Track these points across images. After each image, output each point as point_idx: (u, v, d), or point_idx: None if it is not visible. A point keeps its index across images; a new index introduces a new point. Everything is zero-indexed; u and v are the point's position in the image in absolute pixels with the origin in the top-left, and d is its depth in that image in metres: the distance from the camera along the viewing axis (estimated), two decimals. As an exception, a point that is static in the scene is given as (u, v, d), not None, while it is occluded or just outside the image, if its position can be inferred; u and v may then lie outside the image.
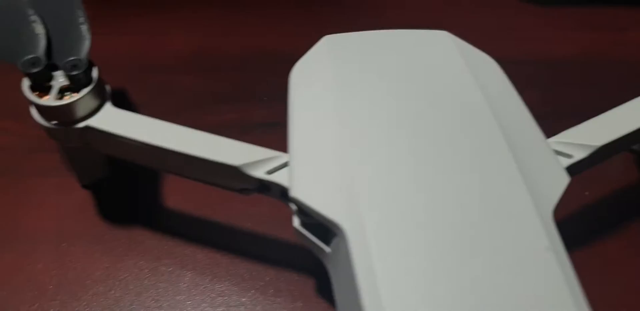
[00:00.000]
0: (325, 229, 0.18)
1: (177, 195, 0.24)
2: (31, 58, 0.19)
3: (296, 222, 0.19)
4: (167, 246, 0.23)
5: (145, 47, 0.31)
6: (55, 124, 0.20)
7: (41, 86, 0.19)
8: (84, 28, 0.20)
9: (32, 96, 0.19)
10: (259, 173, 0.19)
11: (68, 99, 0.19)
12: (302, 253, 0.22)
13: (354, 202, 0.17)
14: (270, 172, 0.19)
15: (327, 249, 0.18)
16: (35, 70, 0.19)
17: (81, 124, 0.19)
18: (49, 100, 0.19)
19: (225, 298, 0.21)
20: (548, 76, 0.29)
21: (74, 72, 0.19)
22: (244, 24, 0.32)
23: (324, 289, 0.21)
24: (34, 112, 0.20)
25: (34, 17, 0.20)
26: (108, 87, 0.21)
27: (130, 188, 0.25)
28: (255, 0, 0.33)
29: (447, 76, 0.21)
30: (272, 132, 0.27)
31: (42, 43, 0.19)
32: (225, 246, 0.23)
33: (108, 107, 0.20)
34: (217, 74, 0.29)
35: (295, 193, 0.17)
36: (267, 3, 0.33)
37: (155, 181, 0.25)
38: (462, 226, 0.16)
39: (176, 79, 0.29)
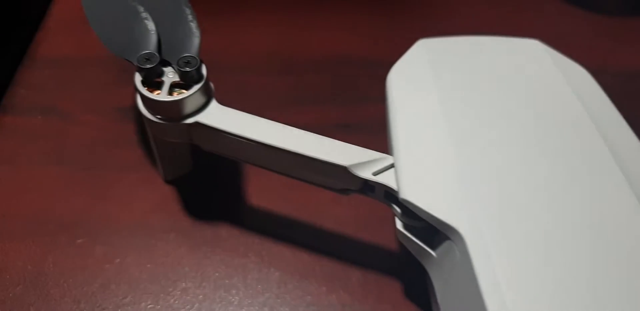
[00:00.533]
0: (430, 232, 0.18)
1: (259, 192, 0.24)
2: (146, 54, 0.19)
3: (399, 225, 0.19)
4: (252, 244, 0.23)
5: (223, 46, 0.31)
6: (159, 119, 0.20)
7: (150, 82, 0.19)
8: (194, 25, 0.20)
9: (144, 91, 0.19)
10: (366, 173, 0.19)
11: (178, 94, 0.19)
12: (386, 255, 0.23)
13: (467, 205, 0.17)
14: (376, 173, 0.19)
15: (433, 253, 0.18)
16: (150, 66, 0.19)
17: (190, 120, 0.19)
18: (162, 95, 0.19)
19: (315, 297, 0.21)
20: (620, 87, 0.29)
21: (187, 69, 0.19)
22: (321, 28, 0.32)
23: (412, 292, 0.21)
24: (141, 106, 0.20)
25: (145, 14, 0.20)
26: (212, 85, 0.21)
27: (212, 184, 0.25)
28: (333, 5, 0.33)
29: (545, 84, 0.21)
30: (349, 134, 0.27)
31: (154, 39, 0.20)
32: (309, 245, 0.23)
33: (214, 104, 0.20)
34: (293, 76, 0.29)
35: (406, 195, 0.18)
36: (344, 8, 0.33)
37: (237, 176, 0.25)
38: (578, 232, 0.16)
39: (253, 80, 0.29)
